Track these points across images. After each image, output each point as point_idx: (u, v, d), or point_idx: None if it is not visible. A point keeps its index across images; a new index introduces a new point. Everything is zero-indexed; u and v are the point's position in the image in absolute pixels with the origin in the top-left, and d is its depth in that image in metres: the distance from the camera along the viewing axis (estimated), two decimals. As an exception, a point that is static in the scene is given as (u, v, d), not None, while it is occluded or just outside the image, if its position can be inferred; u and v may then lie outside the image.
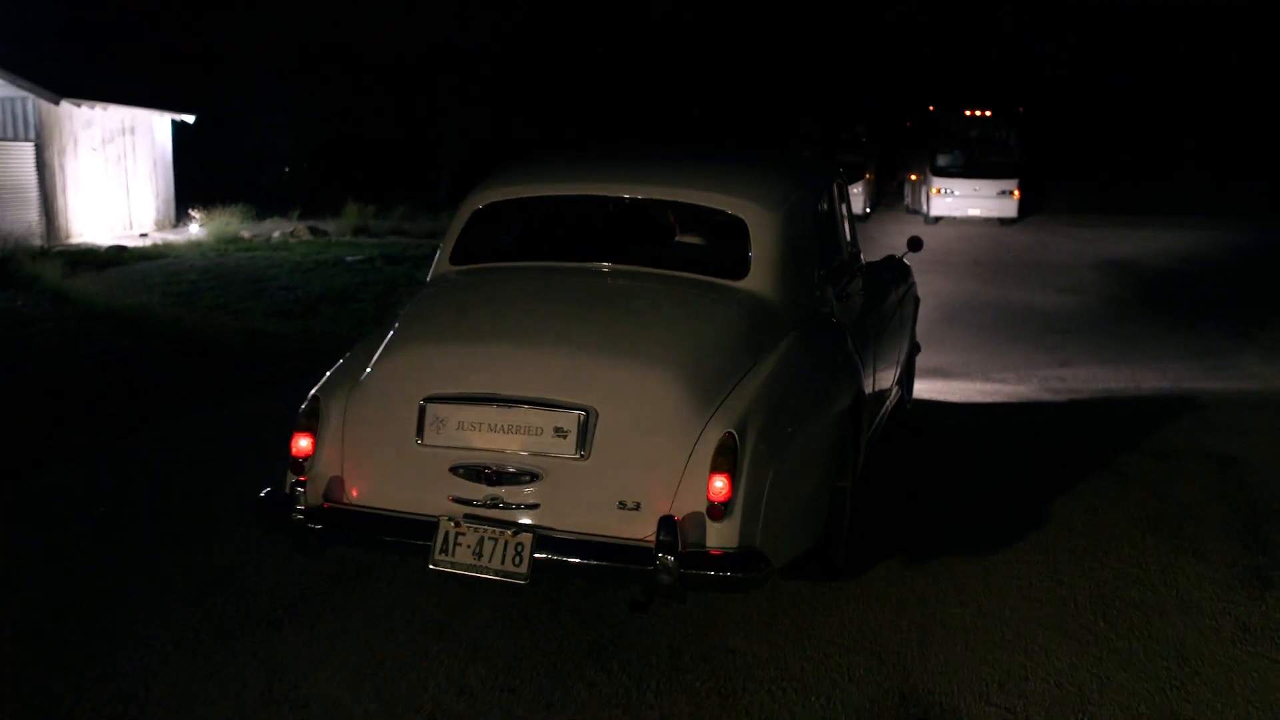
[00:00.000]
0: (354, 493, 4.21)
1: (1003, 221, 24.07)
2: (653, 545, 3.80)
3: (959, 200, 23.91)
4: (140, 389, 8.15)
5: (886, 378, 6.27)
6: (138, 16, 29.00)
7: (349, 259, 16.50)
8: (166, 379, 8.53)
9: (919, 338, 7.98)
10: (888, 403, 6.42)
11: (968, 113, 25.41)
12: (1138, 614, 4.46)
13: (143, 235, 20.73)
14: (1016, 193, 23.94)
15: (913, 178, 25.98)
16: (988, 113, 25.47)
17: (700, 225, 5.31)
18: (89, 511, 5.57)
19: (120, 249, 17.80)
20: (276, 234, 20.32)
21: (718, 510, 3.85)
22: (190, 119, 23.20)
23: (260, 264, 16.01)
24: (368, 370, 4.36)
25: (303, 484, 4.19)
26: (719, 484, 3.84)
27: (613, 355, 4.16)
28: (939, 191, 23.91)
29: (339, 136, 30.65)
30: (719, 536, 3.84)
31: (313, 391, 4.40)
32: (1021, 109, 26.00)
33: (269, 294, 13.11)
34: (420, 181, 28.79)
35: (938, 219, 23.96)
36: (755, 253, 4.77)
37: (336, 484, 4.25)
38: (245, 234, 20.20)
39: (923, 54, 34.19)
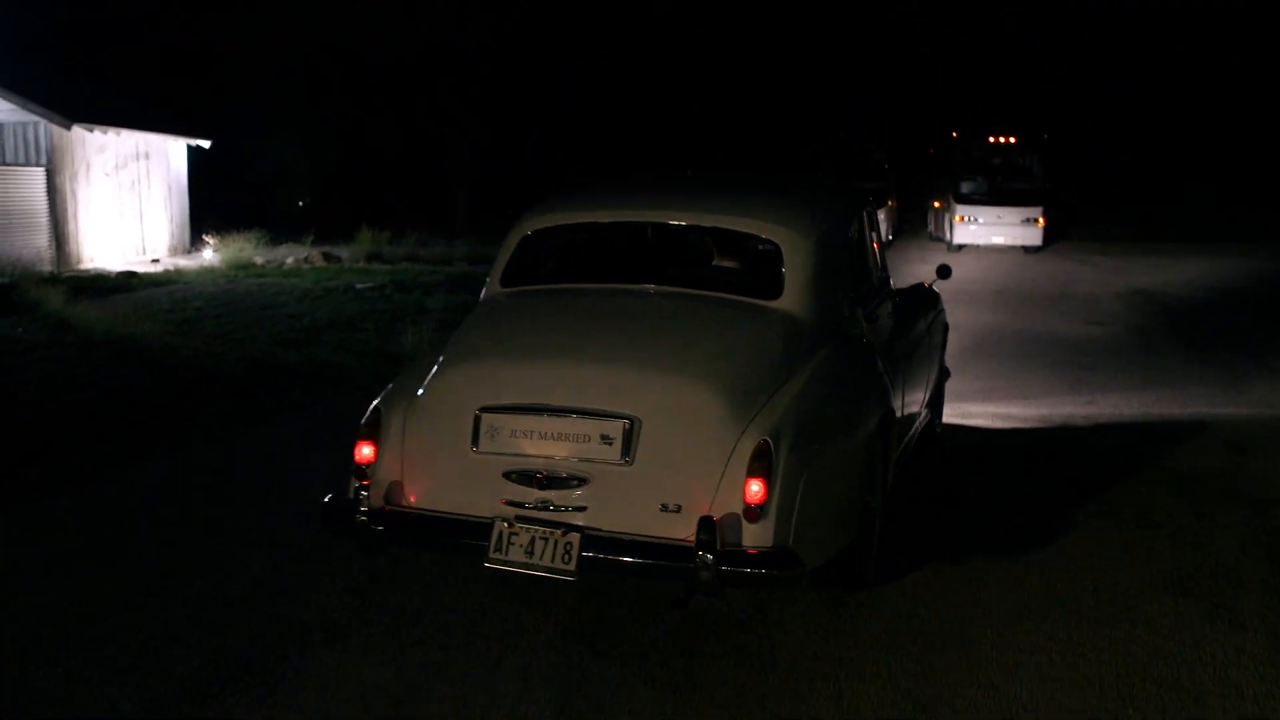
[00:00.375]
0: (412, 497, 4.57)
1: (1027, 250, 23.66)
2: (693, 545, 4.11)
3: (983, 228, 23.52)
4: (129, 421, 7.84)
5: (916, 400, 6.48)
6: (144, 30, 28.98)
7: (359, 286, 16.24)
8: (159, 410, 8.23)
9: (948, 364, 8.09)
10: (917, 424, 6.63)
11: (991, 140, 25.03)
12: (1171, 697, 3.96)
13: (154, 261, 20.56)
14: (1041, 220, 23.52)
15: (936, 205, 25.60)
16: (1012, 139, 25.08)
17: (737, 249, 5.59)
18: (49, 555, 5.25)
19: (130, 275, 17.60)
20: (290, 260, 20.11)
21: (754, 513, 4.16)
22: (206, 144, 23.08)
23: (270, 290, 15.77)
24: (426, 383, 4.70)
25: (366, 488, 4.54)
26: (755, 488, 4.16)
27: (655, 369, 4.49)
28: (962, 219, 23.51)
29: (353, 158, 30.53)
30: (755, 537, 4.14)
31: (374, 403, 4.77)
32: (1045, 135, 25.62)
33: (275, 321, 12.83)
34: (434, 204, 28.63)
35: (961, 247, 23.55)
36: (789, 275, 5.09)
37: (396, 488, 4.60)
38: (258, 260, 20.00)
39: (934, 72, 33.87)
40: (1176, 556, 5.31)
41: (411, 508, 4.54)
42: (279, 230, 23.49)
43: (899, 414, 5.79)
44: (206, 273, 18.32)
